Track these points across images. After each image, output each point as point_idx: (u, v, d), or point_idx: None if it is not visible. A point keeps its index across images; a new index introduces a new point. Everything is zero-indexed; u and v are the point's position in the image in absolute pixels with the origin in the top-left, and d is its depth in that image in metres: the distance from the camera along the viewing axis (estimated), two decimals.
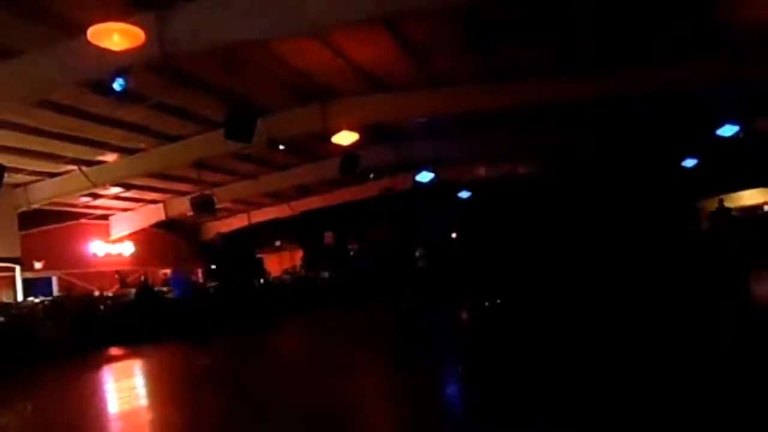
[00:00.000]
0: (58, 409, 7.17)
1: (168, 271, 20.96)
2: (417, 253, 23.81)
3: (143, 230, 20.60)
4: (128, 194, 18.18)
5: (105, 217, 20.11)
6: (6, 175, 10.56)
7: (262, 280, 19.69)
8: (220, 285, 17.63)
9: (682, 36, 10.40)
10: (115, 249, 20.27)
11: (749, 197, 21.64)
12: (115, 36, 6.94)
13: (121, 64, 8.09)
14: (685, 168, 19.44)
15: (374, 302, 16.06)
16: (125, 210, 20.02)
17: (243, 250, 21.27)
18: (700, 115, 14.88)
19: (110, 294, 16.59)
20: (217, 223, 23.81)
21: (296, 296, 19.52)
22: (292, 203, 22.85)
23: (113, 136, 12.77)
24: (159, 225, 20.75)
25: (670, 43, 10.67)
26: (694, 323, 8.13)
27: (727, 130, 15.37)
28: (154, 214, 20.00)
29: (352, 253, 25.03)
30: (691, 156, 19.30)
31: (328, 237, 25.13)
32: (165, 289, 17.75)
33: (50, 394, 8.54)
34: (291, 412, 5.69)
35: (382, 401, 6.16)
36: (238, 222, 23.86)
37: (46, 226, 17.51)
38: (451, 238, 24.48)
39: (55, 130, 11.86)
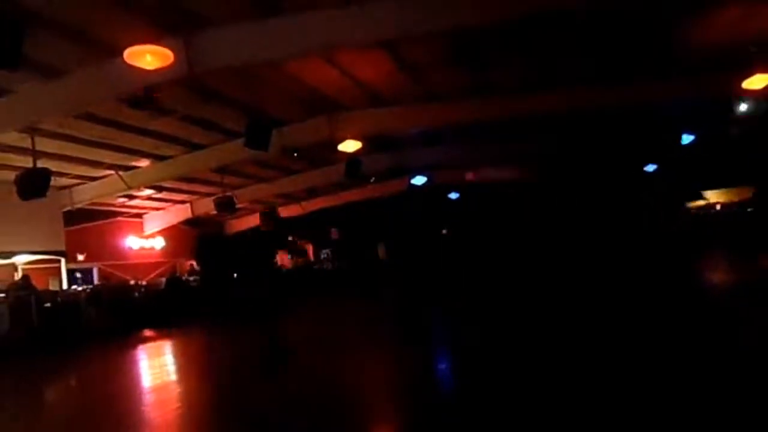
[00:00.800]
0: (98, 383, 7.19)
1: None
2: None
3: (173, 227, 20.58)
4: (159, 195, 18.16)
5: (139, 216, 20.09)
6: (52, 178, 10.56)
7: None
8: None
9: (644, 58, 10.45)
10: (148, 243, 20.26)
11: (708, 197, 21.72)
12: (148, 56, 6.97)
13: (153, 81, 8.11)
14: (646, 172, 19.45)
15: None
16: (157, 209, 20.01)
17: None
18: (661, 125, 14.89)
19: (143, 283, 16.61)
20: (237, 221, 23.81)
21: (306, 285, 19.63)
22: (303, 203, 22.83)
23: (146, 144, 12.78)
24: (187, 222, 20.74)
25: (635, 64, 10.72)
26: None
27: (685, 139, 15.39)
28: (182, 212, 19.98)
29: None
30: (652, 162, 19.31)
31: (334, 233, 25.12)
32: (191, 278, 17.79)
33: (91, 369, 8.56)
34: (301, 381, 5.71)
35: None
36: (255, 220, 23.83)
37: (88, 223, 17.49)
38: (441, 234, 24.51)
39: (96, 139, 11.87)
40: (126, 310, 13.35)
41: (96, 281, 17.38)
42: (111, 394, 6.23)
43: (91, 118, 10.57)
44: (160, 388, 6.44)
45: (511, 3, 7.30)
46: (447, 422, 4.01)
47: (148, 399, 6.00)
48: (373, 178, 19.31)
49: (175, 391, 6.34)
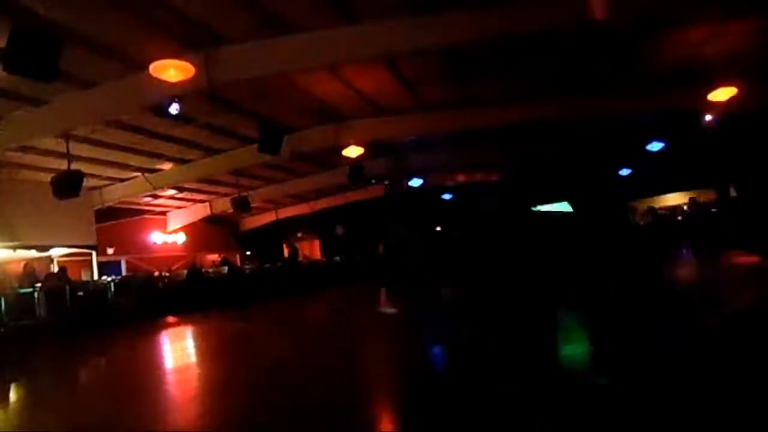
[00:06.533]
0: (125, 364, 7.21)
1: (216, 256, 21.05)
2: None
3: (193, 224, 20.59)
4: (181, 195, 18.20)
5: (163, 213, 20.11)
6: (85, 180, 10.57)
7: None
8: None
9: (617, 74, 10.50)
10: (170, 238, 20.28)
11: (672, 199, 21.72)
12: (171, 70, 6.98)
13: (176, 92, 8.13)
14: (621, 176, 19.46)
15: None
16: (179, 208, 20.02)
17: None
18: (633, 133, 14.89)
19: (166, 274, 16.62)
20: (251, 218, 23.82)
21: (314, 276, 19.60)
22: (311, 203, 22.85)
23: (169, 149, 12.80)
24: (206, 219, 20.75)
25: (609, 79, 10.77)
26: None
27: (655, 146, 15.39)
28: (202, 210, 20.00)
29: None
30: (626, 166, 19.32)
31: (339, 229, 25.04)
32: (210, 270, 17.79)
33: (119, 352, 8.58)
34: (309, 364, 5.71)
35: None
36: (268, 218, 23.86)
37: (117, 220, 17.52)
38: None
39: (124, 145, 11.89)
40: (150, 298, 13.37)
41: (124, 272, 17.40)
42: (136, 373, 6.25)
43: (120, 125, 10.61)
44: (181, 369, 6.46)
45: (495, 24, 7.31)
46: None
47: (170, 378, 6.01)
48: (374, 180, 19.33)
49: (195, 371, 6.35)
